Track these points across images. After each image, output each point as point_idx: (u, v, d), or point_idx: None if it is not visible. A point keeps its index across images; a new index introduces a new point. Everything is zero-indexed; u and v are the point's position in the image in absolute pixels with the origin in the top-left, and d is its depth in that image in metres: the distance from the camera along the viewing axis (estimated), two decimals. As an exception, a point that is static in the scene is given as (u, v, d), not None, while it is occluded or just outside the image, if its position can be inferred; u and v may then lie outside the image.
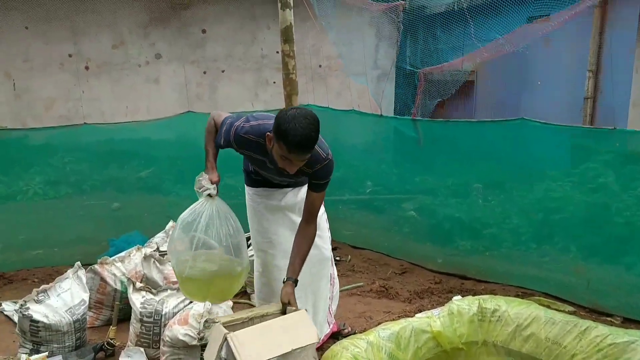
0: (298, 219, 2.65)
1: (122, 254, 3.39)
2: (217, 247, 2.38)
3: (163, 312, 2.70)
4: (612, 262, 3.49)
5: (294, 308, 2.29)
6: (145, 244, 3.67)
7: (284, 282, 2.38)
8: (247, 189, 2.81)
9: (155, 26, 7.06)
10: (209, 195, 2.47)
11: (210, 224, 2.38)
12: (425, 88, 4.86)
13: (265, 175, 2.61)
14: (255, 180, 2.74)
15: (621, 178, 3.60)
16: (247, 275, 2.64)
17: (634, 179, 3.58)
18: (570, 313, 3.15)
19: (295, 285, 2.35)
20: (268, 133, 2.25)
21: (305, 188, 2.65)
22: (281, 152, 2.13)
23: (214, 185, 2.49)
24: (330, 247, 2.89)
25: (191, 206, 2.49)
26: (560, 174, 3.94)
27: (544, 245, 3.93)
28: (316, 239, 2.65)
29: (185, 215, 2.47)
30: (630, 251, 3.43)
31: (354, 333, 3.02)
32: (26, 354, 2.71)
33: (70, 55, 6.71)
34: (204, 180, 2.48)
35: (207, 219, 2.39)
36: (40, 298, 2.80)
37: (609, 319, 3.33)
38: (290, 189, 2.71)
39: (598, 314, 3.41)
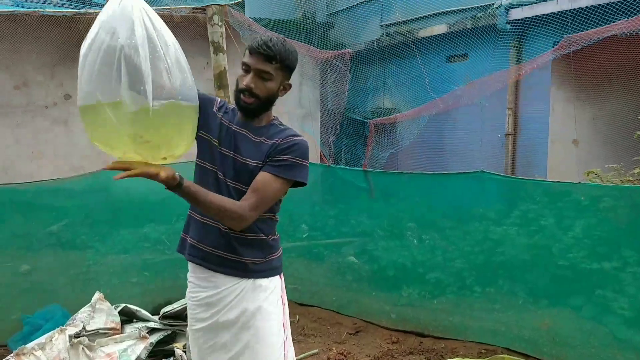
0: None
1: (42, 338, 2.91)
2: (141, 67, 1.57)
3: (99, 412, 2.32)
4: (560, 305, 3.51)
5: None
6: (68, 322, 3.20)
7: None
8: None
9: (63, 65, 6.55)
10: None
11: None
12: (376, 139, 4.79)
13: (212, 157, 1.97)
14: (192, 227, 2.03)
15: (559, 219, 3.67)
16: (194, 122, 1.84)
17: (570, 218, 3.66)
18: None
19: (174, 183, 1.72)
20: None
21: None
22: (243, 60, 1.89)
23: None
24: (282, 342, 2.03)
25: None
26: (499, 215, 3.98)
27: (488, 288, 3.93)
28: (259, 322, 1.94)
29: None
30: (576, 292, 3.48)
31: None
32: None
33: (-36, 98, 6.06)
34: None
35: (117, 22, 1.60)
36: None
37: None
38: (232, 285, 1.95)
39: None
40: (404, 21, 7.67)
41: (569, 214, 3.69)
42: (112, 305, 3.36)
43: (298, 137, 1.93)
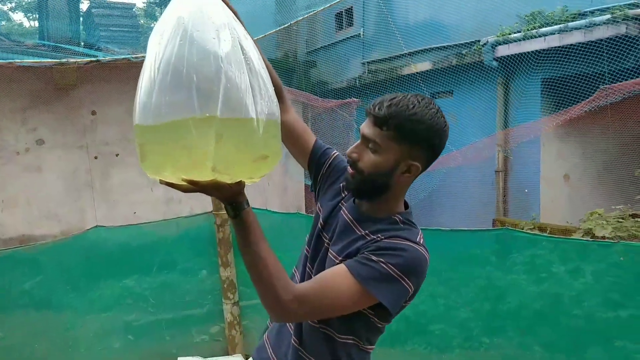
0: None
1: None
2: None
3: None
4: (577, 357, 3.33)
5: None
6: (47, 402, 2.89)
7: None
8: None
9: (37, 110, 6.28)
10: None
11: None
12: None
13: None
14: None
15: (564, 262, 3.53)
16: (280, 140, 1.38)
17: (574, 261, 3.52)
18: None
19: (240, 200, 1.31)
20: None
21: None
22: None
23: None
24: None
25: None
26: (502, 259, 3.82)
27: (496, 339, 3.73)
28: None
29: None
30: (594, 343, 3.31)
31: None
32: None
33: None
34: None
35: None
36: None
37: None
38: None
39: None
40: (386, 58, 7.65)
41: (572, 256, 3.55)
42: (96, 382, 3.06)
43: (408, 243, 1.34)
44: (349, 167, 1.41)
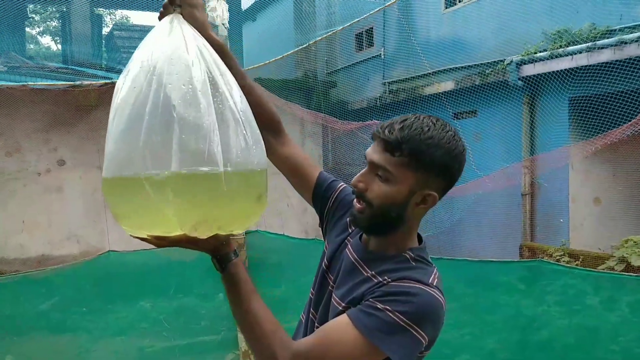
0: None
1: None
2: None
3: None
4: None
5: None
6: None
7: None
8: None
9: (58, 130, 6.32)
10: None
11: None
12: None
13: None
14: None
15: (603, 296, 3.33)
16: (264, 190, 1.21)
17: (607, 289, 3.34)
18: None
19: (224, 251, 1.20)
20: None
21: None
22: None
23: None
24: None
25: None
26: (534, 288, 3.63)
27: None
28: None
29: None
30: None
31: None
32: None
33: (-47, 166, 5.81)
34: None
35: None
36: None
37: None
38: None
39: None
40: (407, 78, 7.54)
41: (606, 285, 3.36)
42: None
43: (418, 286, 1.15)
44: (355, 199, 1.23)
